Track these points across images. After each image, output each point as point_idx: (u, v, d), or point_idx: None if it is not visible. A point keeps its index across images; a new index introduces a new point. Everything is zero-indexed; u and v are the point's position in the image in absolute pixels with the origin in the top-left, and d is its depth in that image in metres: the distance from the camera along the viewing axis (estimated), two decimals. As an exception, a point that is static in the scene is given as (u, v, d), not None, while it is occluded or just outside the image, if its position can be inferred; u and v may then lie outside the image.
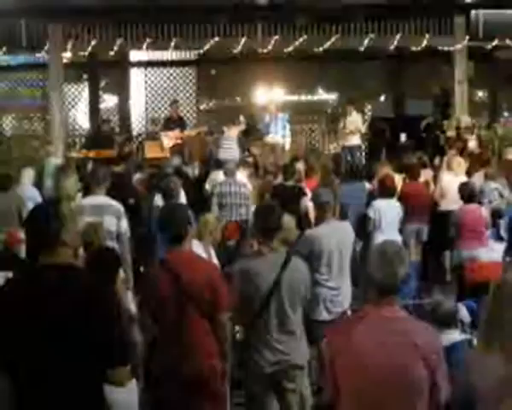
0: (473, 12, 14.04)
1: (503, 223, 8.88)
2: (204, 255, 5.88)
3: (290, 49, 14.42)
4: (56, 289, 3.07)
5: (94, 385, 3.14)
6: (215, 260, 6.23)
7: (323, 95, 20.80)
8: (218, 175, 10.54)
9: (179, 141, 14.38)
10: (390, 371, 3.09)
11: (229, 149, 13.27)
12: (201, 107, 19.60)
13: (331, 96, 20.44)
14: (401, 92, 18.85)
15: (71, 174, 8.86)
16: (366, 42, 14.21)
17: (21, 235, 7.00)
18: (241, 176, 10.26)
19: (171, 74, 18.84)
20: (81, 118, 18.57)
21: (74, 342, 3.03)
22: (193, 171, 12.37)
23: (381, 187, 8.81)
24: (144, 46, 14.15)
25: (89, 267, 4.71)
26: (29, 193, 9.83)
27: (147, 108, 18.93)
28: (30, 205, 8.61)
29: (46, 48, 13.80)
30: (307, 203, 8.71)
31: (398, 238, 8.04)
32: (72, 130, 18.10)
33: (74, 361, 3.05)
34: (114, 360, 3.13)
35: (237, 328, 5.45)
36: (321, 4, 14.22)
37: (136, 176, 11.73)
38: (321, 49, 14.57)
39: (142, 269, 7.09)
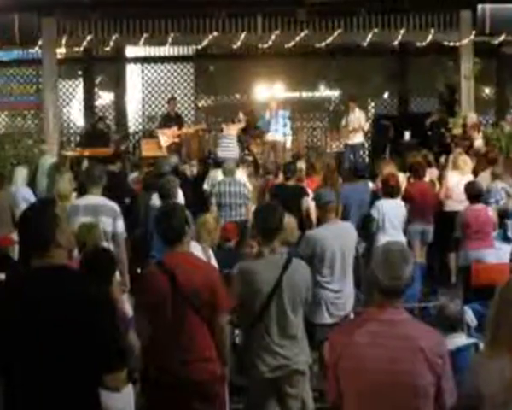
0: (479, 6, 14.02)
1: (510, 223, 8.87)
2: (202, 257, 5.89)
3: (291, 44, 14.42)
4: (50, 292, 3.08)
5: (89, 390, 3.14)
6: (214, 262, 6.23)
7: (325, 91, 20.78)
8: (217, 174, 10.55)
9: (177, 139, 14.39)
10: (394, 375, 3.09)
11: (229, 147, 13.28)
12: (199, 104, 19.62)
13: (333, 93, 20.43)
14: (405, 89, 18.85)
15: (65, 173, 8.89)
16: (369, 37, 14.21)
17: (14, 236, 7.01)
18: (241, 175, 10.27)
19: (169, 70, 18.86)
20: (76, 115, 18.59)
21: (69, 346, 3.04)
22: (191, 170, 12.38)
23: (384, 187, 8.82)
24: (141, 41, 14.15)
25: (84, 269, 4.71)
26: (23, 193, 9.83)
27: (143, 105, 18.96)
28: (23, 205, 8.62)
29: (40, 43, 13.81)
30: (309, 203, 8.72)
31: (403, 239, 8.05)
32: (66, 127, 18.12)
33: (69, 365, 3.05)
34: (110, 364, 3.13)
35: (237, 331, 5.46)
36: (323, -2, 14.23)
37: (133, 175, 11.75)
38: (323, 44, 14.57)
39: (138, 271, 7.10)
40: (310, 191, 9.04)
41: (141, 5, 14.06)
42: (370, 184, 9.94)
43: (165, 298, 4.39)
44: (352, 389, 3.18)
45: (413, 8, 14.11)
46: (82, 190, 7.74)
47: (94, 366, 3.08)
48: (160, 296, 4.40)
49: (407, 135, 15.73)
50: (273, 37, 14.11)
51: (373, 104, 19.89)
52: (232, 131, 13.62)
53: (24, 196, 9.71)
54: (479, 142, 12.42)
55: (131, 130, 18.33)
